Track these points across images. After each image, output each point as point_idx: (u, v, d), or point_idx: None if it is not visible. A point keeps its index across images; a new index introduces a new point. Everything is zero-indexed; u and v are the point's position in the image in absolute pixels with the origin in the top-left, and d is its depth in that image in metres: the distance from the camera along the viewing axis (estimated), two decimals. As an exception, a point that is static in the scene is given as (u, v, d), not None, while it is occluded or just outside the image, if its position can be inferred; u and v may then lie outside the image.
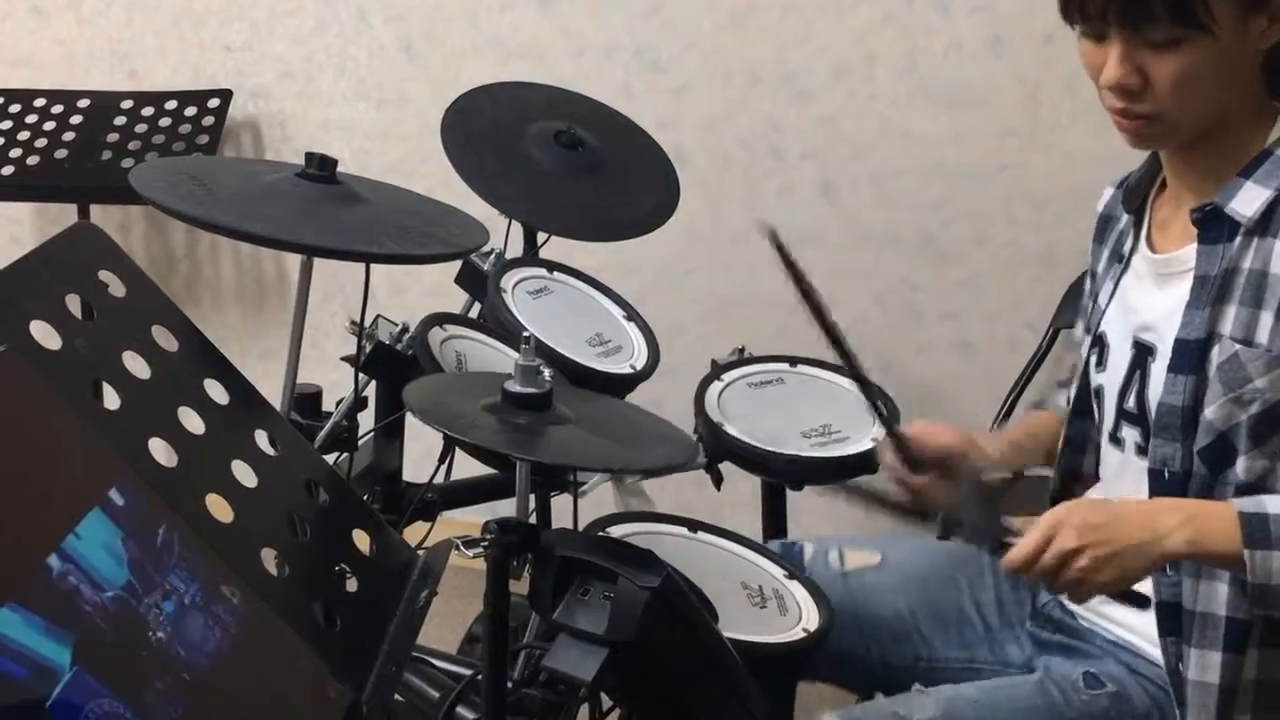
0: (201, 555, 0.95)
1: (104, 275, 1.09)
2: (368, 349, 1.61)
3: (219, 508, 1.03)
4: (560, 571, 1.26)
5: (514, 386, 1.27)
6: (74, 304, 1.06)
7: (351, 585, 1.12)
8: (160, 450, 1.02)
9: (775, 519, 2.17)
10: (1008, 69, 2.50)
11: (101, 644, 0.85)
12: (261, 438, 1.14)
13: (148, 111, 2.78)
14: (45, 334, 1.01)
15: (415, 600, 1.13)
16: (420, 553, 1.22)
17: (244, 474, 1.08)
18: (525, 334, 1.27)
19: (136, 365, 1.07)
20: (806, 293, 1.41)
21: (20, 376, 0.90)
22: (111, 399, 1.03)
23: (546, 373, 1.28)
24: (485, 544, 1.27)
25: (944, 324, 2.63)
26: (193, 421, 1.08)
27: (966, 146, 2.55)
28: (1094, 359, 1.51)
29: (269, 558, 1.04)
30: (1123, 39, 1.28)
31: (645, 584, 1.21)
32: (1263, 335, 1.28)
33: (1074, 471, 1.55)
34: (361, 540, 1.17)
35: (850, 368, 1.49)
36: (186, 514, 0.97)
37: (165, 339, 1.11)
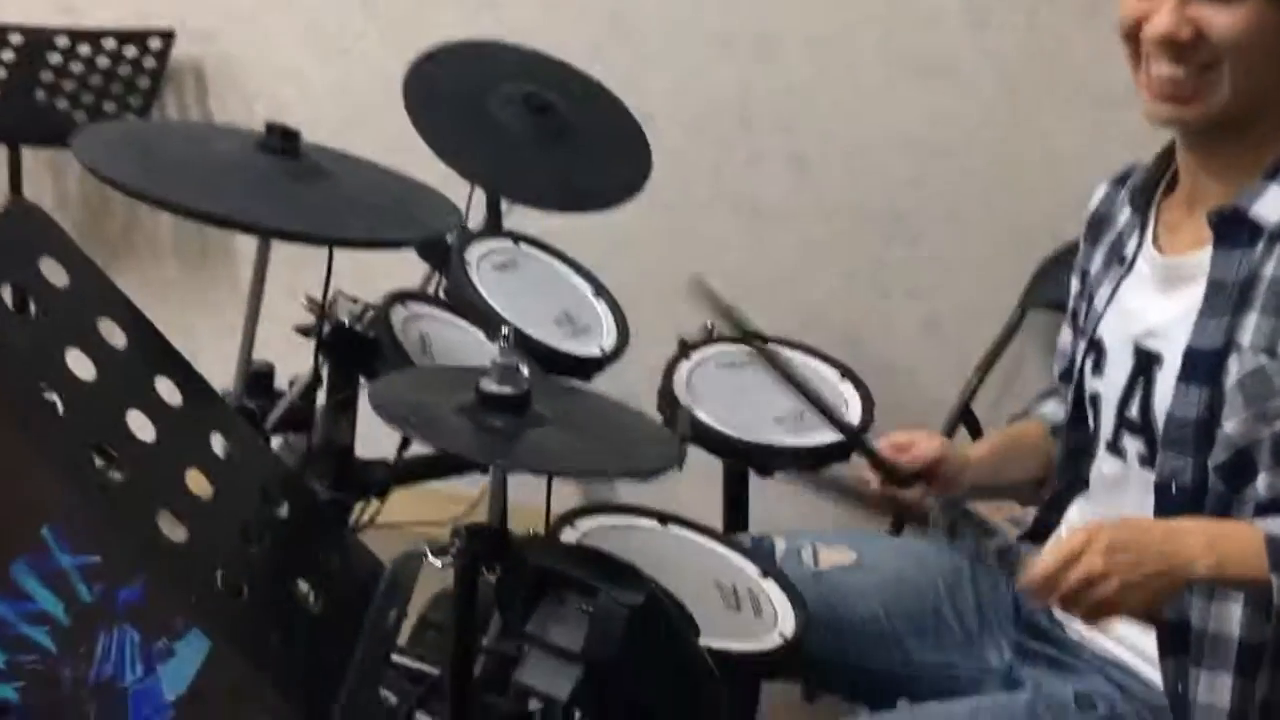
0: (147, 588, 0.86)
1: (44, 263, 0.99)
2: (327, 330, 1.51)
3: (171, 526, 0.94)
4: (534, 582, 1.19)
5: (491, 386, 1.18)
6: (9, 295, 0.95)
7: (313, 604, 1.03)
8: (106, 463, 0.93)
9: (737, 505, 2.11)
10: (987, 45, 2.43)
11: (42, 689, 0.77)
12: (217, 441, 1.05)
13: (85, 50, 2.63)
14: (-22, 331, 0.91)
15: (383, 620, 1.05)
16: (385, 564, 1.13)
17: (199, 484, 0.99)
18: (505, 330, 1.18)
19: (81, 365, 0.97)
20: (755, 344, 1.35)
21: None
22: (54, 405, 0.93)
23: (525, 370, 1.19)
24: (454, 552, 1.19)
25: (912, 301, 2.57)
26: (143, 427, 0.98)
27: (941, 122, 2.48)
28: (1089, 365, 1.45)
29: (224, 580, 0.95)
30: None
31: (627, 601, 1.14)
32: None
33: (1075, 479, 1.49)
34: (324, 552, 1.08)
35: (816, 405, 1.43)
36: (138, 537, 0.88)
37: (113, 334, 1.01)
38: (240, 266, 2.90)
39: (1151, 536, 1.22)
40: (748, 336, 1.39)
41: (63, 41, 2.65)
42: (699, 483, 2.00)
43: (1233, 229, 1.28)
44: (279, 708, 0.90)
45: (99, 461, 0.91)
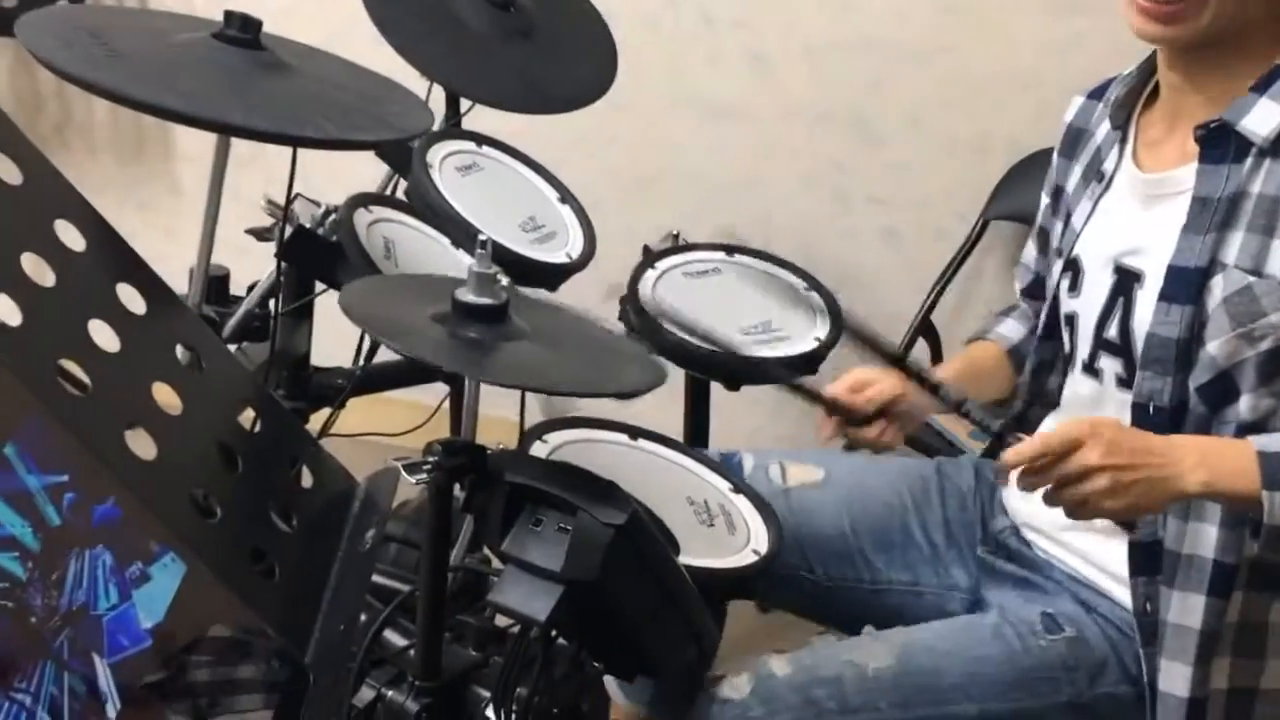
0: (120, 509, 0.81)
1: (-4, 160, 0.92)
2: (287, 233, 1.44)
3: (140, 443, 0.88)
4: (510, 498, 1.15)
5: (467, 296, 1.13)
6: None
7: (287, 523, 0.99)
8: (72, 377, 0.87)
9: (698, 418, 2.09)
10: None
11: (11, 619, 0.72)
12: (182, 353, 0.99)
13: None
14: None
15: (359, 539, 1.01)
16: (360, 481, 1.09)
17: (167, 398, 0.94)
18: (481, 237, 1.13)
19: (38, 270, 0.90)
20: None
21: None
22: (11, 314, 0.86)
23: (503, 280, 1.14)
24: (428, 467, 1.15)
25: (871, 208, 2.54)
26: (107, 338, 0.92)
27: (905, 23, 2.42)
28: (1065, 284, 1.43)
29: (198, 500, 0.90)
30: None
31: (610, 520, 1.10)
32: (1276, 266, 1.21)
33: (1040, 395, 1.48)
34: (299, 470, 1.03)
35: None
36: (105, 455, 0.83)
37: (70, 236, 0.95)
38: (178, 163, 2.79)
39: (1150, 444, 1.20)
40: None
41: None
42: (659, 395, 1.98)
43: (1219, 144, 1.26)
44: (258, 632, 0.86)
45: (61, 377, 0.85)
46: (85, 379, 0.88)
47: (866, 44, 2.44)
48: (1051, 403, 1.50)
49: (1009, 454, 1.21)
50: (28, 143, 0.95)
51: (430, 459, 1.15)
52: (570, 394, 1.05)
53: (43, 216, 0.93)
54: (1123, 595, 1.34)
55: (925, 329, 2.43)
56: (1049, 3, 2.32)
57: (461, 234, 1.52)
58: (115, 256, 0.99)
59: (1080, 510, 1.19)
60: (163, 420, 0.92)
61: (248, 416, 1.02)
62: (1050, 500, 1.20)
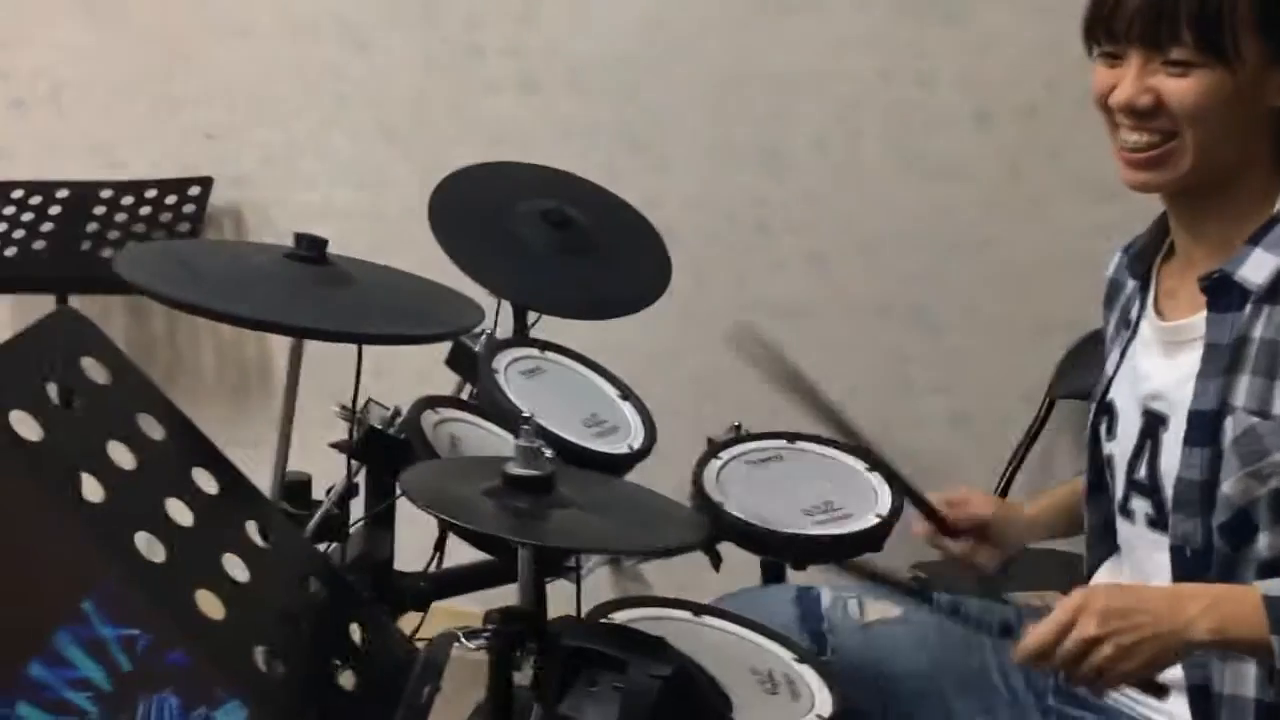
0: (189, 659, 0.89)
1: (86, 362, 1.05)
2: (359, 434, 1.55)
3: (209, 604, 0.97)
4: (567, 662, 1.21)
5: (515, 469, 1.22)
6: (55, 393, 1.01)
7: (349, 682, 1.06)
8: (146, 545, 0.97)
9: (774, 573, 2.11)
10: (989, 142, 2.50)
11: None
12: (252, 529, 1.09)
13: (127, 201, 2.76)
14: (25, 424, 0.96)
15: (417, 697, 1.08)
16: (420, 646, 1.16)
17: (235, 568, 1.03)
18: (525, 414, 1.23)
19: (121, 455, 1.02)
20: (800, 387, 1.38)
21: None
22: (94, 491, 0.97)
23: (548, 453, 1.23)
24: (488, 635, 1.22)
25: (937, 397, 2.60)
26: (181, 513, 1.03)
27: (950, 218, 2.53)
28: (1103, 427, 1.47)
29: (261, 656, 0.98)
30: (1141, 59, 1.27)
31: (657, 673, 1.15)
32: (1278, 407, 1.25)
33: (1107, 549, 1.50)
34: (358, 635, 1.11)
35: (862, 447, 1.46)
36: (175, 612, 0.92)
37: (151, 427, 1.06)
38: (281, 400, 2.97)
39: (1148, 600, 1.22)
40: (793, 385, 1.43)
41: (107, 193, 2.77)
42: (741, 580, 2.02)
43: (1223, 293, 1.31)
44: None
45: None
46: (161, 550, 0.98)
47: (916, 240, 2.55)
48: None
49: (1018, 651, 1.24)
50: (115, 348, 1.08)
51: (489, 626, 1.22)
52: (615, 552, 1.11)
53: (127, 410, 1.05)
54: (1193, 737, 1.33)
55: (1001, 512, 2.44)
56: (1089, 192, 2.41)
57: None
58: (192, 445, 1.10)
59: (1099, 682, 1.21)
60: (231, 586, 1.01)
61: (313, 586, 1.11)
62: (1068, 679, 1.22)
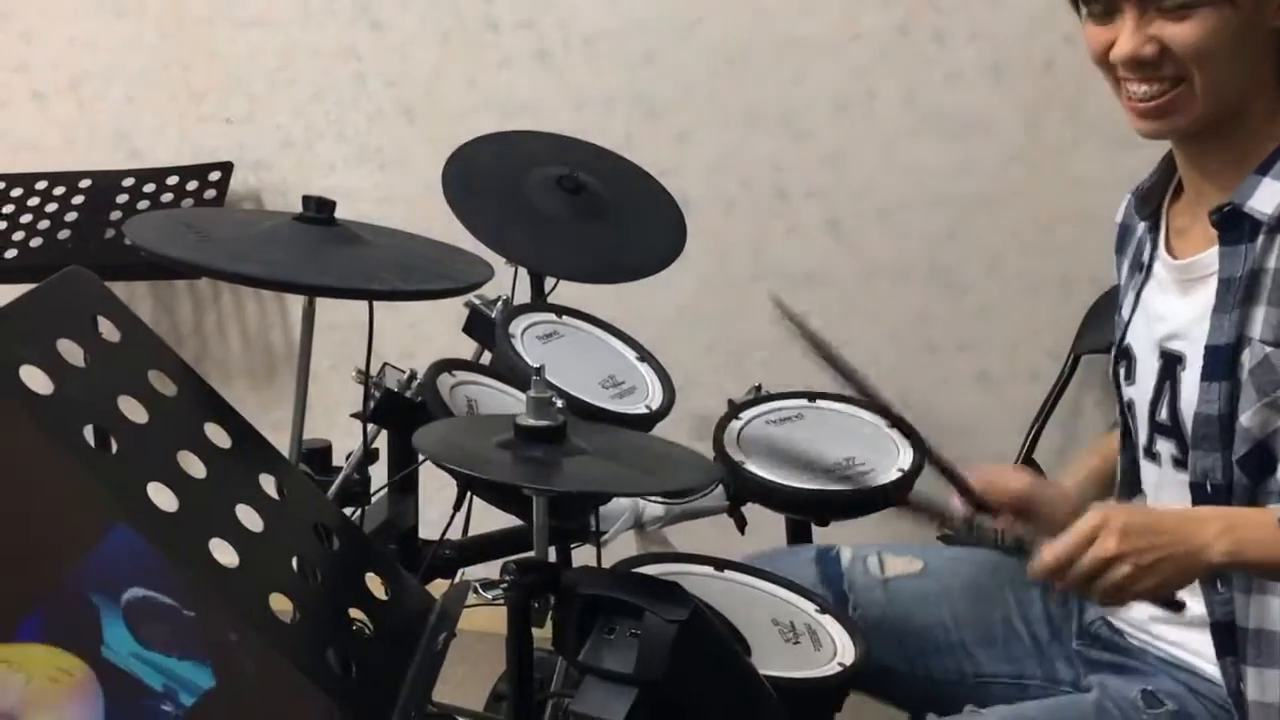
0: (205, 602, 0.90)
1: (98, 320, 1.06)
2: (376, 397, 1.56)
3: (223, 552, 0.98)
4: (584, 611, 1.21)
5: (526, 420, 1.22)
6: (66, 349, 1.02)
7: (366, 631, 1.07)
8: (160, 496, 0.98)
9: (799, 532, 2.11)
10: (1008, 96, 2.48)
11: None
12: (267, 482, 1.10)
13: (149, 188, 2.78)
14: (36, 380, 0.98)
15: (433, 644, 1.08)
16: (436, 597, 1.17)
17: (249, 518, 1.04)
18: (536, 366, 1.23)
19: (133, 410, 1.03)
20: (830, 358, 1.37)
21: (11, 421, 0.87)
22: (106, 443, 0.98)
23: (559, 403, 1.24)
24: (504, 586, 1.22)
25: (961, 356, 2.58)
26: (194, 466, 1.04)
27: (971, 176, 2.52)
28: (1122, 373, 1.46)
29: (279, 603, 0.99)
30: (1137, 9, 1.26)
31: (673, 617, 1.15)
32: None
33: (1132, 494, 1.49)
34: (375, 585, 1.12)
35: (894, 418, 1.45)
36: (189, 560, 0.93)
37: (163, 384, 1.07)
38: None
39: (1165, 521, 1.22)
40: (823, 354, 1.42)
41: (128, 181, 2.80)
42: (767, 541, 2.02)
43: (1233, 225, 1.30)
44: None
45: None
46: (175, 500, 0.99)
47: (936, 199, 2.53)
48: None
49: (1034, 567, 1.23)
50: (126, 308, 1.09)
51: (506, 577, 1.22)
52: (627, 494, 1.11)
53: (137, 367, 1.06)
54: (1218, 675, 1.32)
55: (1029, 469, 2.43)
56: (1102, 143, 2.40)
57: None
58: (204, 400, 1.11)
59: (1114, 598, 1.21)
60: (244, 535, 1.02)
61: (329, 537, 1.11)
62: (1083, 596, 1.21)
